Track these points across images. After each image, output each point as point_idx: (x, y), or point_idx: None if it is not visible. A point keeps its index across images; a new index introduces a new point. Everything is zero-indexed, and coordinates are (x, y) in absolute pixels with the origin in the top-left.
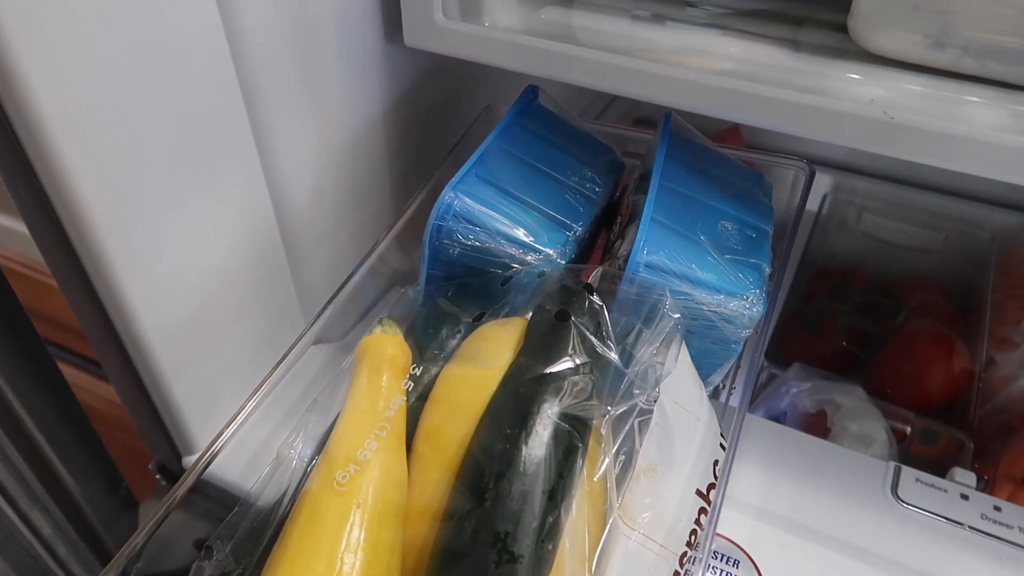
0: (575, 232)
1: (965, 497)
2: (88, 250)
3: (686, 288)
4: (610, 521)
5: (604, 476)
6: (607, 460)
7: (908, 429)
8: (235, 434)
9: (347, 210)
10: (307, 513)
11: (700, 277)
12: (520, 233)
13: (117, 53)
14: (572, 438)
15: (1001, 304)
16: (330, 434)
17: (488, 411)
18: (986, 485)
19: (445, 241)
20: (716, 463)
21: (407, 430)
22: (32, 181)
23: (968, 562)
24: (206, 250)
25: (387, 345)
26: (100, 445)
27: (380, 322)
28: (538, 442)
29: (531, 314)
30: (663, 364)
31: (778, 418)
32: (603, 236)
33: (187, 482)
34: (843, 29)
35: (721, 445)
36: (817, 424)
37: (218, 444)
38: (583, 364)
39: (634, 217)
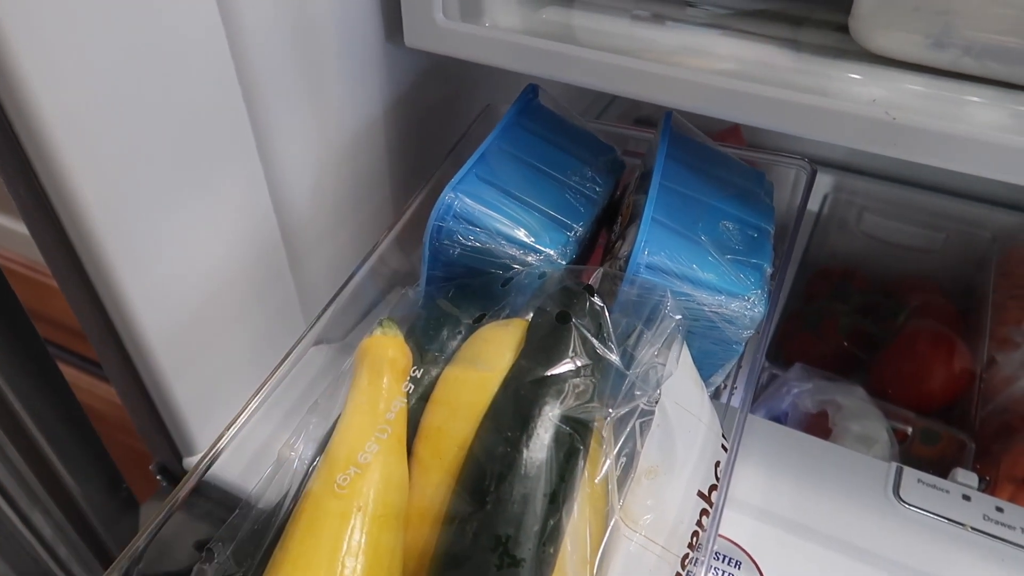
0: (576, 232)
1: (967, 498)
2: (88, 250)
3: (687, 289)
4: (611, 523)
5: (605, 478)
6: (608, 462)
7: (909, 429)
8: (236, 436)
9: (347, 210)
10: (308, 516)
11: (701, 278)
12: (521, 233)
13: (117, 53)
14: (573, 440)
15: (1002, 304)
16: (331, 436)
17: (489, 413)
18: (987, 486)
19: (445, 242)
20: (718, 464)
21: (408, 432)
22: (32, 181)
23: (970, 563)
24: (206, 250)
25: (388, 347)
26: (100, 446)
27: (380, 324)
28: (539, 445)
29: (532, 316)
30: (664, 365)
31: (779, 418)
32: (604, 236)
33: (188, 484)
34: (843, 29)
35: (723, 446)
36: (818, 425)
37: (219, 446)
38: (584, 366)
39: (635, 217)
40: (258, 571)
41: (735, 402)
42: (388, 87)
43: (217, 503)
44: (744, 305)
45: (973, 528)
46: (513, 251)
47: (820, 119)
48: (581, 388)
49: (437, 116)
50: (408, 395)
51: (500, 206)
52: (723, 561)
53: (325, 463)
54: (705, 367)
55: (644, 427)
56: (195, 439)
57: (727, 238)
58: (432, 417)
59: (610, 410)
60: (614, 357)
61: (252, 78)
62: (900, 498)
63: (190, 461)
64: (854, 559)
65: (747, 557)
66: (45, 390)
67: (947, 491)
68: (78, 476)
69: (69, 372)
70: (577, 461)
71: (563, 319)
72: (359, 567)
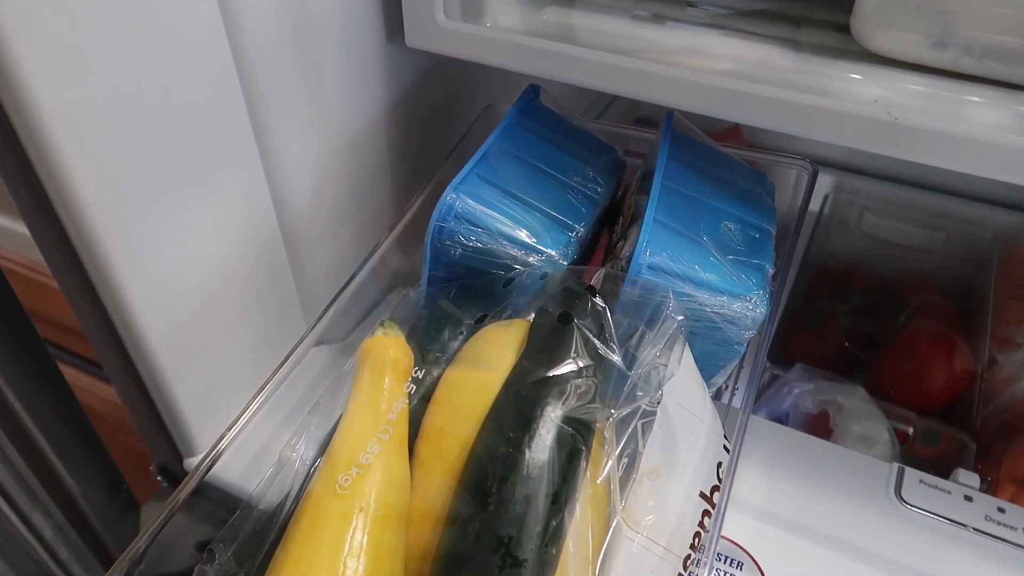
0: (577, 233)
1: (969, 499)
2: (88, 250)
3: (689, 289)
4: (613, 524)
5: (607, 479)
6: (610, 463)
7: (910, 430)
8: (237, 436)
9: (348, 210)
10: (309, 517)
11: (703, 278)
12: (522, 234)
13: (117, 53)
14: (575, 441)
15: (1003, 304)
16: (332, 437)
17: (491, 414)
18: (989, 486)
19: (447, 242)
20: (720, 465)
21: (409, 433)
22: (32, 182)
23: (972, 564)
24: (206, 250)
25: (389, 347)
26: (101, 446)
27: (382, 324)
28: (541, 445)
29: (533, 316)
30: (666, 366)
31: (780, 419)
32: (605, 236)
33: (189, 485)
34: (844, 29)
35: (725, 447)
36: (819, 425)
37: (220, 446)
38: (586, 367)
39: (636, 218)
40: (259, 572)
41: (736, 403)
42: (389, 87)
43: (218, 504)
44: (746, 306)
45: (975, 529)
46: (515, 251)
47: (821, 119)
48: (583, 389)
49: (438, 116)
50: (410, 396)
51: (501, 206)
52: (725, 562)
53: (327, 464)
54: (707, 368)
55: (646, 428)
56: (196, 440)
57: (729, 239)
58: (434, 418)
59: (612, 411)
60: (616, 358)
61: (252, 78)
62: (902, 499)
63: (191, 462)
64: (856, 560)
65: (749, 558)
66: (45, 390)
67: (949, 492)
68: (78, 477)
69: (69, 372)
70: (579, 462)
71: (565, 320)
72: (361, 568)
